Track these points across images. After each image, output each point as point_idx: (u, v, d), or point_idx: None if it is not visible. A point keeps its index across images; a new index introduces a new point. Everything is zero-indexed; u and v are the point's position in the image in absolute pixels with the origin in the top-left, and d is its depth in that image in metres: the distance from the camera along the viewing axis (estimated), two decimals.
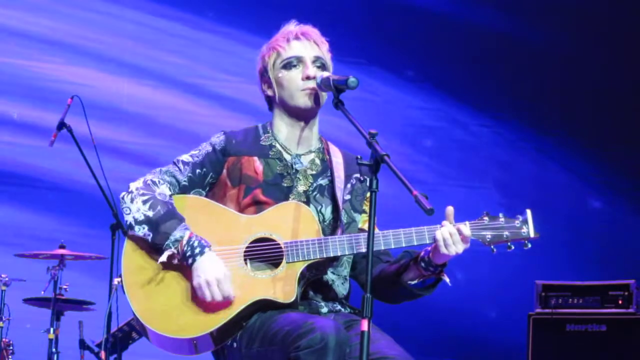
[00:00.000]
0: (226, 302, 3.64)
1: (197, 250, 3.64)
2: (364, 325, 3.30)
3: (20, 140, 7.82)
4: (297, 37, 3.86)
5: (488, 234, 3.69)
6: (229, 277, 3.64)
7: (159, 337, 3.67)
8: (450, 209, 3.67)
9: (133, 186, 3.78)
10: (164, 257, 3.65)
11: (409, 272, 3.76)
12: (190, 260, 3.64)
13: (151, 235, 3.67)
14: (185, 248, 3.64)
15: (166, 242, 3.65)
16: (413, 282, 3.76)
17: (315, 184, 3.85)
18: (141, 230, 3.68)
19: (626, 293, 6.84)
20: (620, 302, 6.85)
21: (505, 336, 8.06)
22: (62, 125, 6.30)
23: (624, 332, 6.77)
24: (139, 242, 3.74)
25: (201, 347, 3.68)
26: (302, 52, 3.85)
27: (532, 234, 3.70)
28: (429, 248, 3.69)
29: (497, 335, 8.23)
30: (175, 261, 3.68)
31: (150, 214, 3.69)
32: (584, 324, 6.89)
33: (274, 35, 3.91)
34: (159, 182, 3.79)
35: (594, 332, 6.85)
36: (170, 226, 3.66)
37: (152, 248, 3.69)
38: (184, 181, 3.82)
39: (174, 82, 8.24)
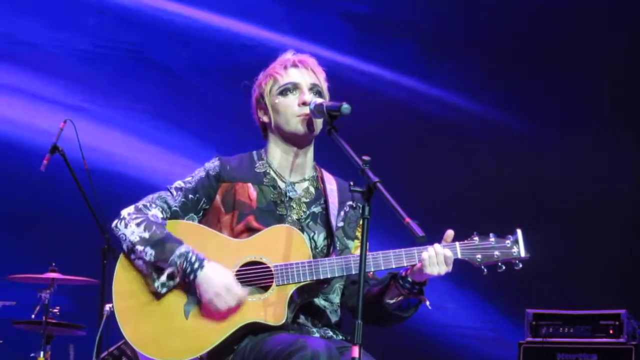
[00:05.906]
0: (220, 324, 3.64)
1: (196, 265, 3.65)
2: (355, 352, 3.29)
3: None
4: (294, 65, 3.89)
5: (478, 255, 3.70)
6: (234, 279, 3.66)
7: None
8: (450, 233, 3.69)
9: (124, 212, 3.79)
10: (163, 277, 3.65)
11: (390, 292, 3.77)
12: (191, 277, 3.65)
13: (154, 252, 3.67)
14: (184, 265, 3.65)
15: (171, 258, 3.65)
16: (392, 302, 3.76)
17: (308, 212, 3.86)
18: (141, 250, 3.68)
19: (617, 322, 6.84)
20: (611, 331, 6.84)
21: None
22: (54, 149, 6.30)
23: None
24: (131, 266, 3.74)
25: None
26: (299, 78, 3.86)
27: (522, 254, 3.72)
28: (408, 265, 3.69)
29: None
30: (177, 279, 3.67)
31: (147, 235, 3.69)
32: (574, 353, 6.88)
33: (271, 64, 3.93)
34: (150, 205, 3.80)
35: None
36: (173, 245, 3.67)
37: (151, 269, 3.68)
38: (175, 207, 3.82)
39: None
